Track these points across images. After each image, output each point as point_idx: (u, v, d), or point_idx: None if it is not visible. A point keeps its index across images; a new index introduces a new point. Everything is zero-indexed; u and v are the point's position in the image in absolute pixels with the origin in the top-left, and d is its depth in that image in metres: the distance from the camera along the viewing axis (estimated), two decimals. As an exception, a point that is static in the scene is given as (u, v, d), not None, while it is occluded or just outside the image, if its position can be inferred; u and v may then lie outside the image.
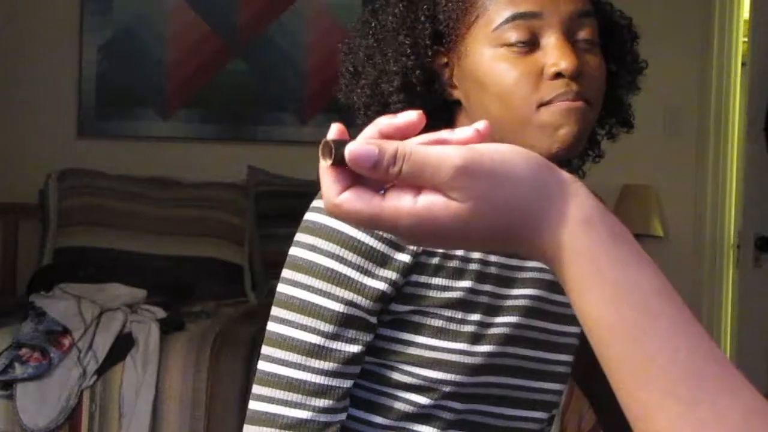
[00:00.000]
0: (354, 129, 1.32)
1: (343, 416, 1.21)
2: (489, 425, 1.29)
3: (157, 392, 3.06)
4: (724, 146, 4.47)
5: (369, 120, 1.29)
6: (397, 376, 1.23)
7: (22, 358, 3.05)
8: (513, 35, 1.18)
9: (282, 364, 1.18)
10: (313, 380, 1.18)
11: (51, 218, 4.04)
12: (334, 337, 1.18)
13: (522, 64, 1.18)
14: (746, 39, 4.23)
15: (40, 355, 3.06)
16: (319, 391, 1.18)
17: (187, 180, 4.21)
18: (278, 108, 4.44)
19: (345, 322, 1.18)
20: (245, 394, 3.07)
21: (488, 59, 1.19)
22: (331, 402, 1.18)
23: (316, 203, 1.21)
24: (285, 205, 3.97)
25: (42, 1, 4.38)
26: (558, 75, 1.17)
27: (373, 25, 1.28)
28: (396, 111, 1.24)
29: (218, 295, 3.82)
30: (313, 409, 1.18)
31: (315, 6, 4.42)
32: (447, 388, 1.23)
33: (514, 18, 1.18)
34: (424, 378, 1.23)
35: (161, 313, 3.29)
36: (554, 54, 1.17)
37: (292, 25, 4.44)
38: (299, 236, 1.21)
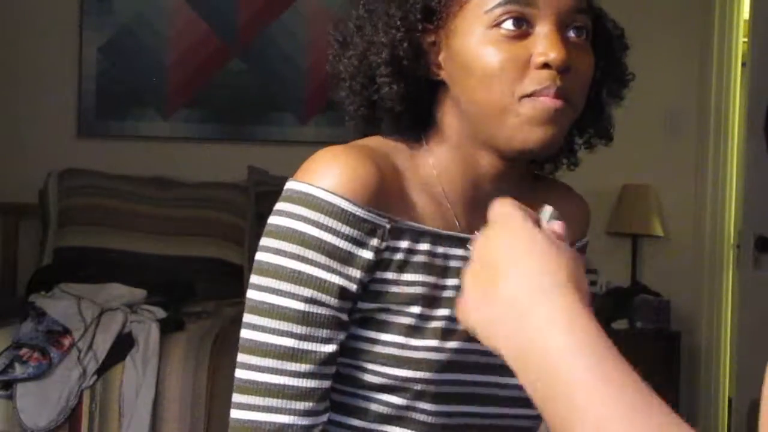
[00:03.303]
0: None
1: (324, 418, 1.20)
2: (472, 425, 1.28)
3: (157, 392, 3.06)
4: (724, 146, 4.47)
5: (353, 92, 1.27)
6: (367, 377, 1.22)
7: (22, 358, 3.05)
8: (505, 19, 1.16)
9: (258, 371, 1.17)
10: (291, 383, 1.17)
11: (51, 218, 4.04)
12: (307, 338, 1.17)
13: (510, 49, 1.16)
14: (746, 39, 4.23)
15: (40, 355, 3.06)
16: (299, 394, 1.17)
17: (187, 180, 4.21)
18: (278, 108, 4.44)
19: (316, 322, 1.17)
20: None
21: (476, 40, 1.17)
22: (311, 404, 1.17)
23: (279, 206, 1.20)
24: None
25: (42, 2, 4.38)
26: (545, 65, 1.15)
27: None
28: (382, 84, 1.22)
29: (218, 295, 3.81)
30: (294, 412, 1.17)
31: (315, 6, 4.42)
32: (417, 386, 1.22)
33: (508, 2, 1.16)
34: (395, 377, 1.22)
35: (161, 313, 3.29)
36: (544, 43, 1.15)
37: (292, 25, 4.44)
38: (264, 240, 1.20)
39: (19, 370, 3.04)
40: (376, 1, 1.24)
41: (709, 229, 4.47)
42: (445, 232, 1.24)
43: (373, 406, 1.23)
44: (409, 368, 1.22)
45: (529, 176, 1.32)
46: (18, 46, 4.35)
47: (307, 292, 1.16)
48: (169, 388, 3.08)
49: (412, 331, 1.22)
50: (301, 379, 1.17)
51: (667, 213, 4.49)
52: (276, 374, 1.17)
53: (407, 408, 1.23)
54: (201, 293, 3.75)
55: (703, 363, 4.47)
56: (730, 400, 4.38)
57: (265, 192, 4.16)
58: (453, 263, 1.25)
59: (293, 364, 1.17)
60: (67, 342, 3.11)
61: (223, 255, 4.04)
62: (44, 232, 4.05)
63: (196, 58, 4.41)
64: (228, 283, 3.99)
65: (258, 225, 4.11)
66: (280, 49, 4.44)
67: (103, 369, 3.09)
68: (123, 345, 3.13)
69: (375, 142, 1.25)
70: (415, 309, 1.22)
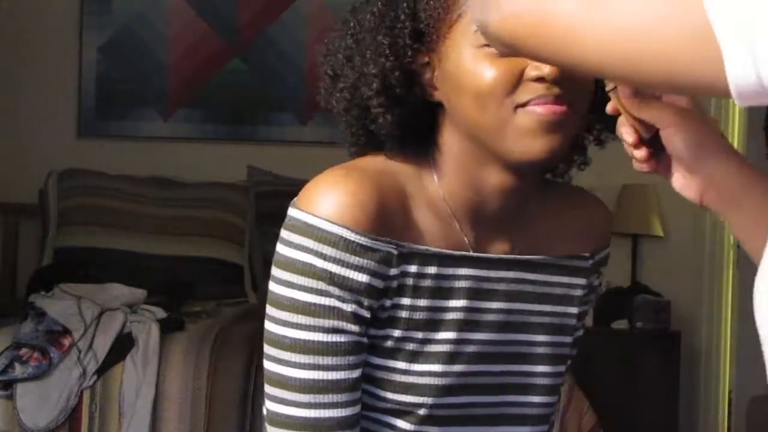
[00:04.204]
0: (335, 129, 1.30)
1: None
2: None
3: (157, 392, 3.06)
4: (724, 146, 4.47)
5: (349, 124, 1.25)
6: (372, 401, 1.22)
7: (22, 358, 3.05)
8: None
9: (293, 405, 1.17)
10: (326, 416, 1.17)
11: (51, 218, 4.04)
12: (335, 368, 1.17)
13: (502, 65, 1.14)
14: (746, 39, 4.23)
15: (40, 355, 3.06)
16: (334, 424, 1.17)
17: (187, 180, 4.20)
18: (278, 108, 4.44)
19: (341, 351, 1.17)
20: (245, 394, 3.07)
21: (468, 59, 1.15)
22: None
23: (283, 234, 1.19)
24: (285, 205, 3.93)
25: (42, 1, 4.38)
26: (539, 78, 1.13)
27: (352, 25, 1.24)
28: (376, 114, 1.20)
29: (218, 295, 3.81)
30: None
31: (315, 6, 4.42)
32: (422, 411, 1.22)
33: None
34: (399, 402, 1.22)
35: (161, 313, 3.29)
36: None
37: (292, 25, 4.44)
38: (274, 271, 1.19)
39: (19, 370, 3.04)
40: (364, 30, 1.22)
41: (709, 229, 4.47)
42: (453, 252, 1.23)
43: (383, 430, 1.23)
44: (413, 394, 1.22)
45: (539, 186, 1.29)
46: (18, 46, 4.35)
47: (327, 323, 1.16)
48: (169, 388, 3.07)
49: (415, 356, 1.22)
50: (334, 410, 1.17)
51: (667, 213, 4.49)
52: (310, 408, 1.17)
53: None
54: (201, 293, 3.75)
55: (703, 363, 4.47)
56: (730, 400, 4.38)
57: (265, 192, 4.16)
58: (459, 284, 1.23)
59: (325, 395, 1.17)
60: (67, 342, 3.11)
61: (223, 255, 4.04)
62: (44, 232, 4.05)
63: (196, 58, 4.41)
64: (228, 283, 3.99)
65: (258, 225, 4.12)
66: (280, 49, 4.44)
67: (103, 369, 3.09)
68: (123, 345, 3.13)
69: (379, 162, 1.23)
70: (418, 334, 1.22)
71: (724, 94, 0.74)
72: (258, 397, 3.05)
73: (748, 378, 3.93)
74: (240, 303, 3.84)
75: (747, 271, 3.94)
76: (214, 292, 3.82)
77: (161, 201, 4.10)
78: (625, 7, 0.78)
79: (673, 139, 1.00)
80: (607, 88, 1.05)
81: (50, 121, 4.35)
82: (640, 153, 1.03)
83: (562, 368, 1.33)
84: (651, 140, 1.03)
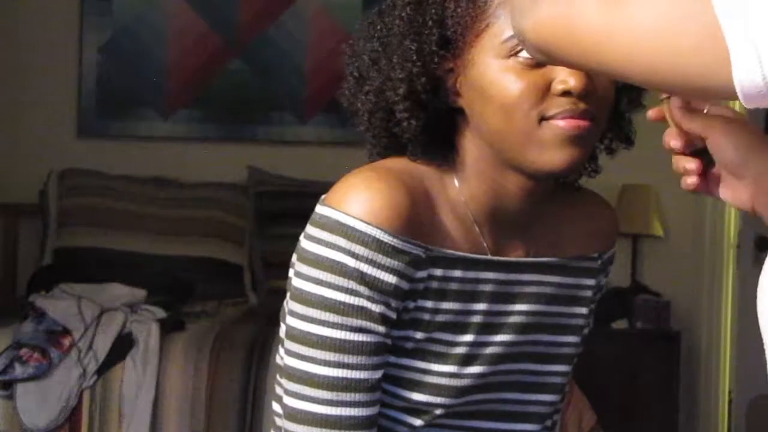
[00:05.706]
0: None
1: None
2: None
3: (157, 392, 3.06)
4: (724, 146, 4.46)
5: (373, 127, 1.27)
6: (389, 399, 1.23)
7: (22, 358, 3.05)
8: (522, 48, 1.14)
9: (314, 402, 1.18)
10: (347, 414, 1.18)
11: (51, 218, 4.04)
12: (358, 367, 1.17)
13: (529, 77, 1.15)
14: (746, 39, 4.23)
15: (40, 355, 3.06)
16: (354, 424, 1.18)
17: (187, 180, 4.21)
18: (278, 108, 4.43)
19: (366, 351, 1.18)
20: (245, 394, 3.07)
21: (494, 70, 1.16)
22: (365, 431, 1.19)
23: (312, 231, 1.19)
24: (285, 205, 3.97)
25: (42, 1, 4.38)
26: (566, 93, 1.15)
27: (378, 28, 1.25)
28: (401, 119, 1.21)
29: (218, 295, 3.82)
30: None
31: (315, 6, 4.42)
32: (438, 411, 1.23)
33: None
34: (416, 402, 1.23)
35: (161, 313, 3.29)
36: (564, 71, 1.14)
37: (292, 25, 4.44)
38: (301, 267, 1.19)
39: (19, 370, 3.04)
40: (391, 34, 1.23)
41: (709, 229, 4.47)
42: (477, 256, 1.24)
43: (398, 428, 1.24)
44: (430, 394, 1.23)
45: (554, 188, 1.30)
46: (18, 46, 4.35)
47: (355, 323, 1.17)
48: (169, 388, 3.08)
49: (435, 357, 1.23)
50: (355, 409, 1.18)
51: (667, 213, 4.49)
52: (331, 405, 1.17)
53: (429, 426, 1.25)
54: (201, 293, 3.76)
55: (703, 363, 4.47)
56: (730, 400, 4.38)
57: (265, 192, 4.16)
58: (482, 287, 1.25)
59: (347, 394, 1.17)
60: (67, 342, 3.11)
61: (223, 255, 4.04)
62: (44, 232, 4.05)
63: (196, 58, 4.41)
64: (228, 283, 3.99)
65: (258, 225, 4.12)
66: (280, 49, 4.44)
67: (103, 369, 3.09)
68: (123, 345, 3.14)
69: (404, 164, 1.24)
70: (439, 336, 1.23)
71: (732, 96, 0.75)
72: (258, 396, 3.06)
73: (748, 378, 3.93)
74: (240, 303, 3.84)
75: (747, 271, 3.95)
76: (214, 292, 3.82)
77: (161, 201, 4.10)
78: (643, 11, 0.80)
79: (721, 142, 1.03)
80: (660, 97, 1.06)
81: (50, 121, 4.35)
82: (691, 164, 1.07)
83: (570, 367, 1.35)
84: (697, 156, 1.07)
